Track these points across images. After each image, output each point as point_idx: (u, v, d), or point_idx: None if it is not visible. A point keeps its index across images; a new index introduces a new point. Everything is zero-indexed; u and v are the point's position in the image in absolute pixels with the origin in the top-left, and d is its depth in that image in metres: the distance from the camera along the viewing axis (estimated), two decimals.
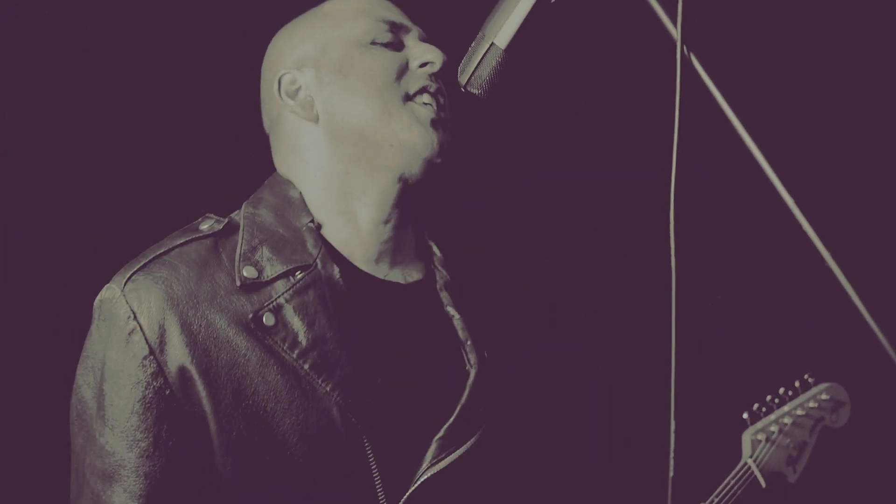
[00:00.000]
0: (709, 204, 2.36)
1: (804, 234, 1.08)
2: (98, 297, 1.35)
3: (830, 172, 2.48)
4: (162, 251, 1.35)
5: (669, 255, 1.14)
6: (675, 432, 1.13)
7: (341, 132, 1.41)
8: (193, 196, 2.01)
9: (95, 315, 1.34)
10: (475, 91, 1.33)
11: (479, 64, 1.31)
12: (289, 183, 1.44)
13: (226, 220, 1.40)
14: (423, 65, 1.43)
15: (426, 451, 1.36)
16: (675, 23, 1.14)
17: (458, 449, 1.36)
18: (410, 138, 1.38)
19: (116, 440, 1.27)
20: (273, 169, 1.53)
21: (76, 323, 1.46)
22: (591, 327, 2.52)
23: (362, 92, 1.39)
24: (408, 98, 1.41)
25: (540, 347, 1.72)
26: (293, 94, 1.44)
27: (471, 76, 1.33)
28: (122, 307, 1.30)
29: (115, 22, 2.07)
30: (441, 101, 1.43)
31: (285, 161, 1.47)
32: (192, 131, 2.11)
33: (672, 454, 1.17)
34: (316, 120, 1.42)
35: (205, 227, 1.39)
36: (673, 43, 1.14)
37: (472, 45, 1.33)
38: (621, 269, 2.55)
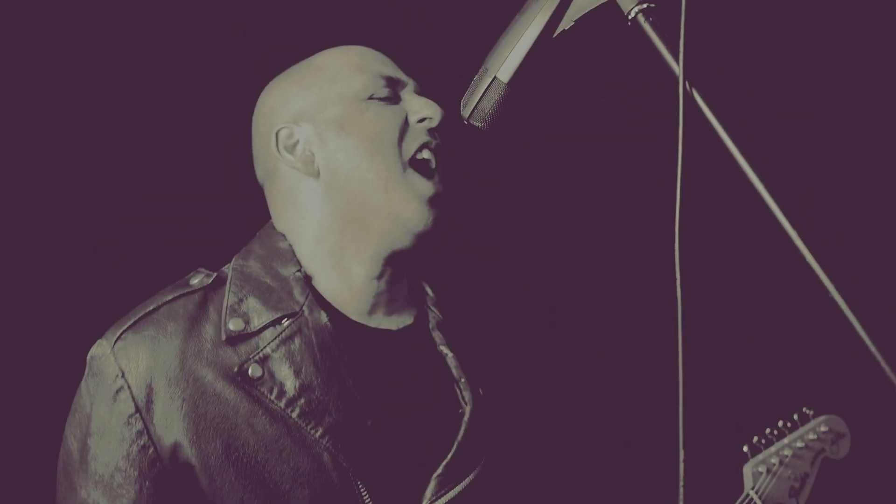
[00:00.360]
0: (710, 225, 2.36)
1: (807, 265, 1.10)
2: (89, 353, 1.38)
3: (835, 202, 2.48)
4: (150, 309, 1.37)
5: (670, 264, 1.15)
6: (684, 461, 1.15)
7: (342, 191, 1.42)
8: (192, 196, 2.02)
9: (87, 370, 1.38)
10: (477, 124, 1.34)
11: (481, 98, 1.32)
12: (279, 235, 1.46)
13: (215, 275, 1.42)
14: (421, 120, 1.45)
15: (424, 489, 1.37)
16: (676, 59, 1.16)
17: (457, 485, 1.38)
18: (406, 213, 1.40)
19: (99, 494, 1.30)
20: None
21: (76, 323, 1.46)
22: (591, 329, 2.53)
23: (365, 153, 1.41)
24: (409, 161, 1.42)
25: (538, 353, 1.73)
26: (291, 149, 1.45)
27: (473, 110, 1.34)
28: (110, 365, 1.32)
29: (115, 22, 2.07)
30: (440, 157, 1.45)
31: (282, 213, 1.47)
32: (192, 131, 2.11)
33: (682, 485, 1.19)
34: (317, 175, 1.43)
35: (195, 281, 1.41)
36: (675, 77, 1.16)
37: (475, 78, 1.34)
38: (621, 270, 2.55)
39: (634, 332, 2.51)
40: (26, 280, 1.97)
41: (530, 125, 2.30)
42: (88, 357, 1.38)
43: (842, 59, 2.54)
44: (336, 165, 1.42)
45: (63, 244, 2.00)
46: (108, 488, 1.29)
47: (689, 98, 1.15)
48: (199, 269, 1.44)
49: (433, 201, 1.42)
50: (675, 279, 1.14)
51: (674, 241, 1.13)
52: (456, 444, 1.41)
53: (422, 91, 1.51)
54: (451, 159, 1.49)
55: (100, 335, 1.44)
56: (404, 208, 1.40)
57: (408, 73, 1.53)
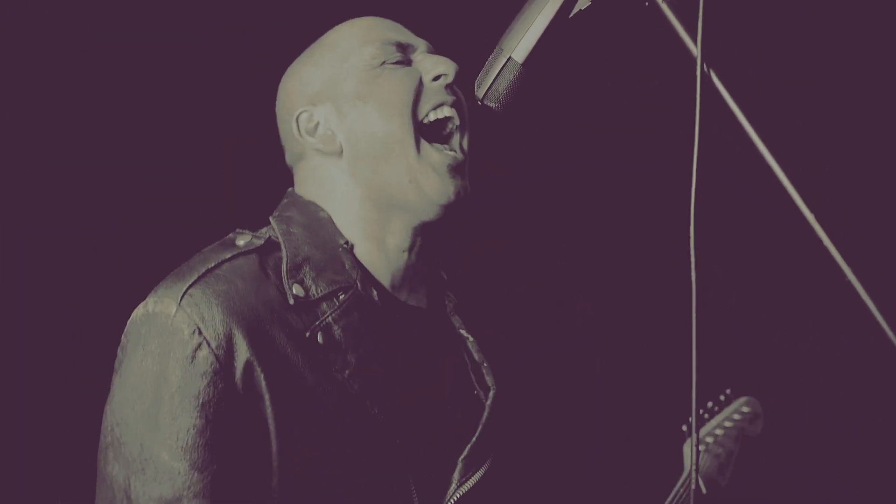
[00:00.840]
0: (725, 215, 2.37)
1: (824, 249, 1.08)
2: (141, 311, 1.30)
3: (853, 186, 2.48)
4: (212, 265, 1.32)
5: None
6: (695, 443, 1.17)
7: (364, 160, 1.40)
8: (192, 196, 2.02)
9: (142, 331, 1.28)
10: (492, 105, 1.32)
11: (496, 78, 1.30)
12: (314, 203, 1.43)
13: (264, 236, 1.39)
14: (436, 78, 1.42)
15: (451, 472, 1.37)
16: (694, 40, 1.14)
17: (479, 469, 1.38)
18: (426, 184, 1.38)
19: (184, 464, 1.22)
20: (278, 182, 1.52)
21: (76, 323, 1.45)
22: (599, 320, 2.52)
23: (381, 117, 1.39)
24: (425, 123, 1.40)
25: (548, 346, 1.74)
26: (312, 132, 1.43)
27: (488, 90, 1.32)
28: (183, 321, 1.25)
29: (115, 22, 2.07)
30: (461, 112, 1.43)
31: (310, 191, 1.46)
32: (192, 131, 2.11)
33: (694, 468, 1.20)
34: (340, 153, 1.42)
35: (241, 242, 1.37)
36: (692, 58, 1.14)
37: (490, 59, 1.32)
38: (631, 261, 2.54)
39: (643, 323, 2.51)
40: (26, 280, 1.97)
41: (543, 111, 2.29)
42: (141, 315, 1.29)
43: (862, 40, 2.51)
44: (356, 136, 1.41)
45: (63, 244, 2.00)
46: (195, 456, 1.23)
47: (706, 80, 1.13)
48: (239, 229, 1.41)
49: (452, 171, 1.40)
50: (690, 262, 1.12)
51: (689, 227, 1.12)
52: (481, 426, 1.41)
53: (435, 51, 1.48)
54: (474, 117, 1.46)
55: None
56: (424, 178, 1.38)
57: (420, 36, 1.50)
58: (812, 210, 1.09)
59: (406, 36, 1.48)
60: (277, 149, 1.52)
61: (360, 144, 1.40)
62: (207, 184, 2.04)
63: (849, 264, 1.08)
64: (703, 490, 1.84)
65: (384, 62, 1.42)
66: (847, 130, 2.56)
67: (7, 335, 1.94)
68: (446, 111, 1.41)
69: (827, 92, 2.52)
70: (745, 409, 1.97)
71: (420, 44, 1.48)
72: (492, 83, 1.31)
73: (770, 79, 2.49)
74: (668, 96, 1.25)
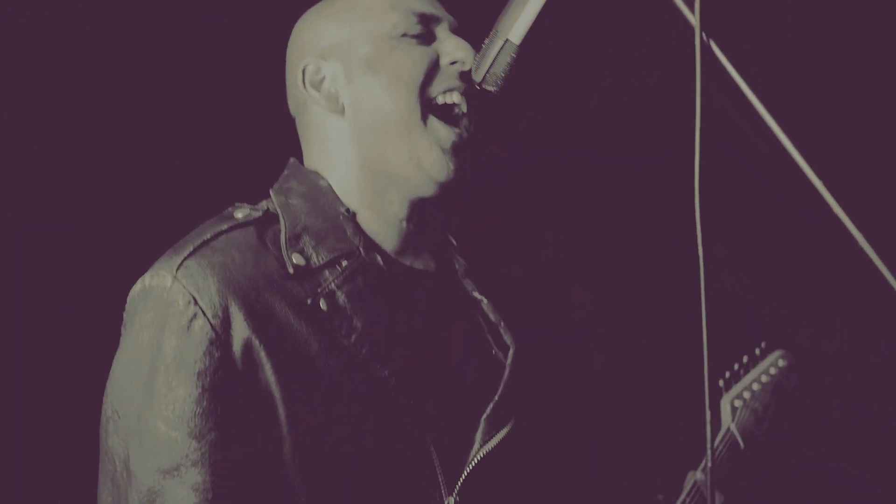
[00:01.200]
0: (731, 191, 2.32)
1: (834, 216, 1.06)
2: (139, 287, 1.30)
3: (857, 158, 2.44)
4: (208, 237, 1.32)
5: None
6: (711, 422, 1.15)
7: (367, 131, 1.40)
8: (192, 196, 2.01)
9: (139, 305, 1.29)
10: (490, 88, 1.32)
11: (493, 61, 1.31)
12: (314, 173, 1.43)
13: (262, 208, 1.39)
14: (452, 62, 1.40)
15: (474, 432, 1.37)
16: (692, 9, 1.13)
17: (505, 426, 1.38)
18: (428, 160, 1.37)
19: (180, 432, 1.22)
20: (288, 154, 1.52)
21: (76, 323, 1.45)
22: (598, 310, 2.51)
23: (389, 92, 1.37)
24: (433, 105, 1.39)
25: (554, 323, 1.74)
26: (317, 85, 1.42)
27: (486, 73, 1.32)
28: (179, 293, 1.25)
29: (116, 22, 2.07)
30: (470, 101, 1.41)
31: (311, 150, 1.46)
32: (192, 131, 2.11)
33: (709, 446, 1.19)
34: (342, 112, 1.41)
35: (240, 215, 1.37)
36: (691, 29, 1.12)
37: (486, 41, 1.32)
38: (632, 251, 2.53)
39: (646, 317, 2.51)
40: (26, 280, 1.97)
41: (542, 96, 2.28)
42: (139, 291, 1.30)
43: (865, 42, 2.48)
44: (361, 104, 1.39)
45: (63, 244, 2.00)
46: (192, 425, 1.22)
47: (706, 49, 1.12)
48: (239, 203, 1.40)
49: (456, 149, 1.39)
50: (696, 226, 1.11)
51: (694, 213, 1.11)
52: (502, 384, 1.41)
53: (458, 29, 1.46)
54: (483, 106, 1.44)
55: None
56: (425, 155, 1.37)
57: (448, 10, 1.48)
58: (819, 175, 1.07)
59: (433, 7, 1.45)
60: (278, 149, 1.52)
61: (363, 113, 1.40)
62: (208, 183, 2.04)
63: (858, 227, 1.06)
64: (742, 445, 1.82)
65: (405, 33, 1.40)
66: (857, 98, 2.50)
67: (7, 335, 1.95)
68: (455, 97, 1.40)
69: (839, 56, 2.47)
70: (781, 363, 1.95)
71: (446, 18, 1.45)
72: (489, 66, 1.32)
73: (774, 48, 2.44)
74: (679, 88, 1.24)
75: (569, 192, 2.51)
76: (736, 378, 1.90)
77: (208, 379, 1.23)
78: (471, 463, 1.35)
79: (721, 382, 1.88)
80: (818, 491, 2.50)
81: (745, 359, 1.93)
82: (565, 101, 2.46)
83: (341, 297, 1.32)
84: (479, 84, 1.34)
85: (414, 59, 1.38)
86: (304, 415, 1.26)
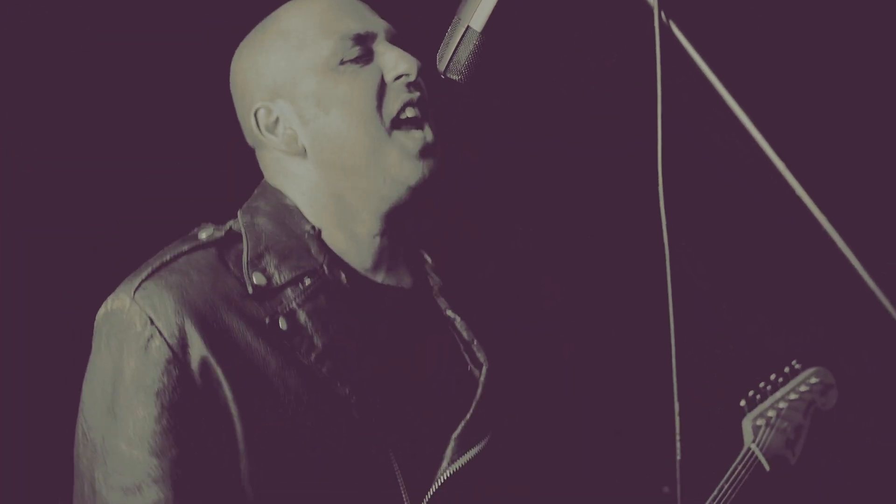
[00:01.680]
0: (695, 179, 2.32)
1: (796, 204, 1.05)
2: (102, 311, 1.32)
3: (822, 142, 2.40)
4: (168, 258, 1.33)
5: (658, 234, 1.12)
6: (680, 414, 1.14)
7: (332, 166, 1.40)
8: (192, 196, 2.02)
9: (102, 329, 1.31)
10: (455, 77, 1.31)
11: (455, 49, 1.29)
12: (281, 192, 1.43)
13: (226, 228, 1.39)
14: (397, 77, 1.39)
15: (443, 450, 1.37)
16: None
17: (475, 445, 1.38)
18: (402, 174, 1.37)
19: (141, 451, 1.24)
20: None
21: (76, 323, 1.45)
22: (570, 302, 2.50)
23: (347, 126, 1.37)
24: (393, 123, 1.38)
25: (530, 329, 1.73)
26: (272, 128, 1.42)
27: (449, 62, 1.31)
28: (136, 314, 1.27)
29: (115, 22, 2.07)
30: (426, 121, 1.41)
31: (276, 179, 1.45)
32: (191, 131, 2.11)
33: (678, 437, 1.17)
34: (303, 154, 1.41)
35: (203, 235, 1.38)
36: (650, 10, 1.12)
37: (449, 30, 1.31)
38: (603, 245, 2.52)
39: (616, 304, 2.49)
40: (26, 280, 1.97)
41: (506, 84, 2.26)
42: (101, 315, 1.32)
43: (830, 22, 2.44)
44: (321, 144, 1.39)
45: (63, 244, 2.00)
46: (151, 444, 1.24)
47: (665, 29, 1.11)
48: (205, 222, 1.41)
49: (425, 152, 1.39)
50: (661, 223, 1.11)
51: (657, 191, 1.10)
52: (474, 403, 1.40)
53: (396, 35, 1.45)
54: (438, 107, 1.45)
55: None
56: (398, 170, 1.37)
57: (380, 15, 1.46)
58: (782, 158, 1.05)
59: (364, 21, 1.42)
60: None
61: (325, 152, 1.39)
62: (206, 184, 2.05)
63: (824, 214, 1.04)
64: (767, 467, 1.76)
65: (343, 60, 1.38)
66: (824, 78, 2.46)
67: (7, 335, 1.95)
68: (410, 112, 1.39)
69: (803, 35, 2.44)
70: (814, 381, 1.86)
71: (380, 28, 1.43)
72: (452, 55, 1.30)
73: (736, 28, 2.40)
74: (643, 75, 1.23)
75: (537, 182, 2.50)
76: (762, 397, 1.83)
77: (167, 397, 1.25)
78: (438, 481, 1.35)
79: (743, 402, 1.82)
80: None
81: (772, 377, 1.87)
82: (527, 88, 2.44)
83: (302, 316, 1.33)
84: (444, 73, 1.32)
85: (360, 87, 1.38)
86: (261, 432, 1.27)
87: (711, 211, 2.45)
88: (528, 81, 2.41)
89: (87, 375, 1.33)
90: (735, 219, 2.48)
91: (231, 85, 1.49)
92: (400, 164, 1.37)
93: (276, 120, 1.41)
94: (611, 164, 2.46)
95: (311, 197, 1.42)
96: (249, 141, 1.49)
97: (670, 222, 1.11)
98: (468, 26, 1.28)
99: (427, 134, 1.40)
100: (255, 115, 1.42)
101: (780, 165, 1.06)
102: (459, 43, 1.29)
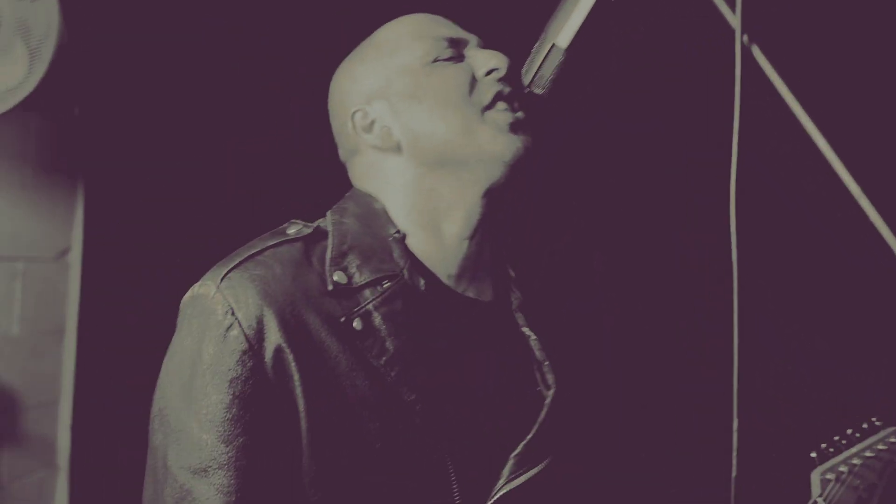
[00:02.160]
0: (770, 200, 2.25)
1: (876, 235, 1.06)
2: (188, 295, 1.35)
3: None
4: (255, 251, 1.36)
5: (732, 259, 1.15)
6: (738, 431, 1.18)
7: (426, 155, 1.43)
8: (193, 196, 2.07)
9: (186, 312, 1.35)
10: (538, 91, 1.36)
11: (541, 65, 1.35)
12: (371, 196, 1.47)
13: (314, 226, 1.43)
14: (489, 72, 1.44)
15: (502, 467, 1.39)
16: (733, 10, 1.18)
17: (534, 467, 1.39)
18: (496, 149, 1.40)
19: (211, 436, 1.27)
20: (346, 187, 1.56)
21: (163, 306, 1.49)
22: (639, 328, 2.46)
23: (440, 113, 1.41)
24: (485, 109, 1.42)
25: (598, 356, 1.73)
26: (369, 129, 1.45)
27: (534, 77, 1.37)
28: (219, 303, 1.30)
29: (116, 22, 2.11)
30: (516, 104, 1.45)
31: (368, 183, 1.49)
32: (192, 130, 2.16)
33: (735, 453, 1.22)
34: (397, 148, 1.44)
35: (292, 231, 1.41)
36: (732, 32, 1.17)
37: (535, 46, 1.37)
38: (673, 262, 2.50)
39: (681, 327, 2.45)
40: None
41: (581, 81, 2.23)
42: (187, 300, 1.35)
43: None
44: (415, 134, 1.42)
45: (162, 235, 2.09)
46: (221, 429, 1.27)
47: (746, 52, 1.14)
48: (295, 219, 1.44)
49: (516, 127, 1.41)
50: (731, 246, 1.15)
51: (729, 202, 1.14)
52: (537, 424, 1.40)
53: (485, 45, 1.49)
54: (527, 98, 1.47)
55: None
56: (493, 146, 1.39)
57: (470, 31, 1.51)
58: (860, 183, 1.07)
59: (456, 31, 1.49)
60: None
61: (420, 142, 1.43)
62: (207, 183, 2.12)
63: None
64: None
65: (436, 59, 1.44)
66: None
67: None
68: (501, 106, 1.42)
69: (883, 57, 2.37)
70: (893, 440, 1.78)
71: (471, 38, 1.49)
72: (537, 70, 1.37)
73: (818, 48, 2.32)
74: (710, 73, 1.27)
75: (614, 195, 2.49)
76: (835, 451, 1.74)
77: (239, 387, 1.27)
78: (493, 497, 1.35)
79: (813, 454, 1.71)
80: None
81: (849, 431, 1.77)
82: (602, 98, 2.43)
83: (377, 319, 1.35)
84: (528, 87, 1.38)
85: (453, 77, 1.42)
86: (325, 429, 1.30)
87: (787, 237, 2.38)
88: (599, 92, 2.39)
89: (169, 354, 1.36)
90: (812, 250, 2.39)
91: (329, 104, 1.53)
92: (494, 140, 1.40)
93: (373, 122, 1.45)
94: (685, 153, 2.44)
95: (404, 196, 1.44)
96: (343, 154, 1.53)
97: (741, 243, 1.14)
98: (553, 44, 1.34)
99: (518, 113, 1.43)
100: (353, 118, 1.46)
101: (863, 201, 1.07)
102: (545, 59, 1.35)
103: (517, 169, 1.43)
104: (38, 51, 1.89)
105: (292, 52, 2.24)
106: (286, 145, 2.16)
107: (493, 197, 1.45)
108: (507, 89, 1.44)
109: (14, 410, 2.07)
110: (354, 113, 1.46)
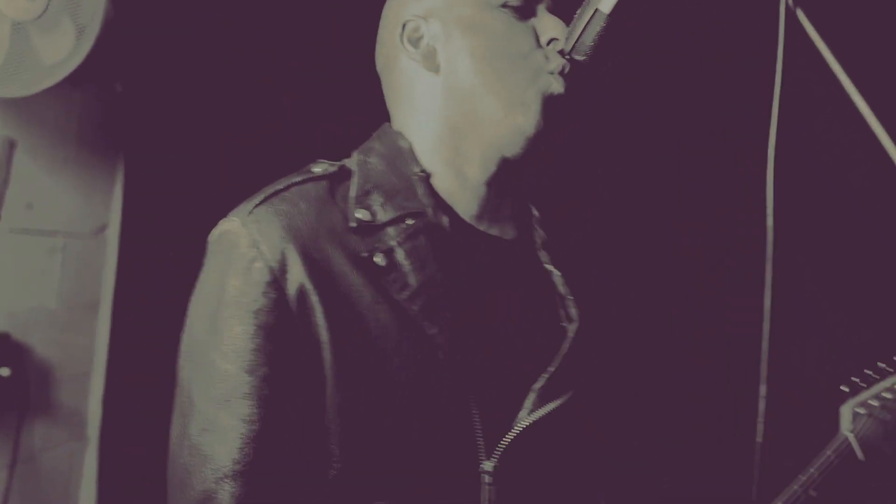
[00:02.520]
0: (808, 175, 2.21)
1: None
2: (216, 231, 1.37)
3: None
4: (281, 188, 1.38)
5: (766, 220, 1.13)
6: (766, 398, 1.15)
7: (459, 91, 1.43)
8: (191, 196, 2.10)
9: (213, 247, 1.36)
10: (579, 57, 1.35)
11: (583, 31, 1.34)
12: (398, 134, 1.48)
13: (339, 164, 1.44)
14: (549, 41, 1.43)
15: (523, 400, 1.38)
16: None
17: (556, 399, 1.39)
18: (526, 114, 1.41)
19: (234, 366, 1.27)
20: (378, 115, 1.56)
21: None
22: (666, 273, 2.45)
23: (487, 57, 1.41)
24: (538, 78, 1.42)
25: (625, 293, 1.71)
26: (415, 42, 1.45)
27: (575, 43, 1.36)
28: (243, 237, 1.31)
29: (116, 21, 2.13)
30: (570, 77, 1.44)
31: (398, 107, 1.50)
32: (191, 130, 2.20)
33: (761, 420, 1.19)
34: (436, 70, 1.44)
35: (318, 169, 1.42)
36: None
37: (577, 12, 1.36)
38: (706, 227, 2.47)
39: (713, 280, 2.43)
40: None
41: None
42: (214, 235, 1.36)
43: None
44: (457, 65, 1.42)
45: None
46: (243, 360, 1.27)
47: (791, 15, 1.10)
48: (321, 159, 1.45)
49: (552, 102, 1.41)
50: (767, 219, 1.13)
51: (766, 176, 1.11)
52: (559, 357, 1.41)
53: (555, 10, 1.48)
54: (584, 78, 1.46)
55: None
56: (523, 119, 1.41)
57: None
58: None
59: None
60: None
61: (458, 74, 1.43)
62: (206, 183, 2.13)
63: None
64: (861, 456, 1.67)
65: (506, 3, 1.43)
66: None
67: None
68: (556, 83, 1.42)
69: None
70: None
71: None
72: (579, 36, 1.35)
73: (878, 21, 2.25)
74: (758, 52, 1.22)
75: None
76: (867, 384, 1.73)
77: (263, 318, 1.28)
78: (515, 429, 1.35)
79: (845, 387, 1.72)
80: None
81: (880, 364, 1.75)
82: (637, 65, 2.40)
83: (400, 254, 1.35)
84: (569, 53, 1.37)
85: (513, 31, 1.42)
86: (348, 362, 1.30)
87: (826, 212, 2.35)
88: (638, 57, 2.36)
89: (196, 290, 1.36)
90: (849, 214, 2.35)
91: (385, 7, 1.53)
92: (532, 104, 1.40)
93: (421, 37, 1.45)
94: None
95: (429, 127, 1.45)
96: (380, 64, 1.53)
97: (779, 222, 1.11)
98: (597, 9, 1.33)
99: (562, 85, 1.42)
100: (405, 25, 1.46)
101: None
102: (587, 24, 1.33)
103: (536, 144, 1.43)
104: (85, 27, 1.94)
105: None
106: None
107: (508, 163, 1.45)
108: (568, 67, 1.43)
109: (48, 382, 2.11)
110: (408, 22, 1.46)
